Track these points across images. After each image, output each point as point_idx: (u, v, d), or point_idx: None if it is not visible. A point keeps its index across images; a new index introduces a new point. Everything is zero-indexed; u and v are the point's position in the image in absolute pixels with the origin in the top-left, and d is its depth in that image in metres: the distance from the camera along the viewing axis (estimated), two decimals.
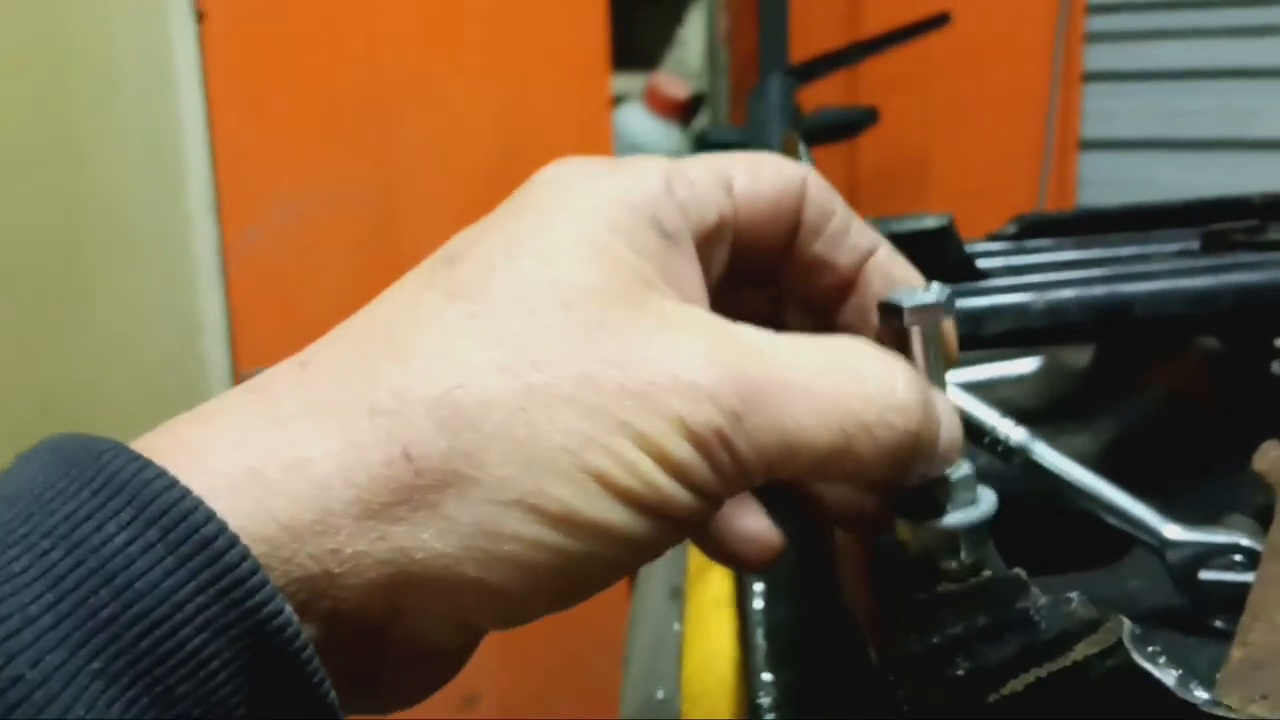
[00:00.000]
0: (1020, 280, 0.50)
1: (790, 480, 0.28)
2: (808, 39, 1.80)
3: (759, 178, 0.30)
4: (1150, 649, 0.22)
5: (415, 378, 0.23)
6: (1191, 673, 0.37)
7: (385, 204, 1.26)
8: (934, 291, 0.30)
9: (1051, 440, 0.63)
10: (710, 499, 0.25)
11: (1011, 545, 0.46)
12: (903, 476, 0.28)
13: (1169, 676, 0.21)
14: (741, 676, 0.39)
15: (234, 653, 0.20)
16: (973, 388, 0.75)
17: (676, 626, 0.48)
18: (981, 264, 0.54)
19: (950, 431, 0.29)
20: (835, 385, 0.25)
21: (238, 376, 1.15)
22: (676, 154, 1.31)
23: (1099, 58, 1.76)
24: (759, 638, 0.41)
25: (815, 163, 0.42)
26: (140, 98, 1.07)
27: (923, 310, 0.29)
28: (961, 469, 0.30)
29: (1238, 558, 0.40)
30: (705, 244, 0.29)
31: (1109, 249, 0.54)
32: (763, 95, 1.67)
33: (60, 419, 1.10)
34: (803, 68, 1.68)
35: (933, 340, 0.30)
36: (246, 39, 1.11)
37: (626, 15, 1.98)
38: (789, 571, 0.47)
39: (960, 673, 0.24)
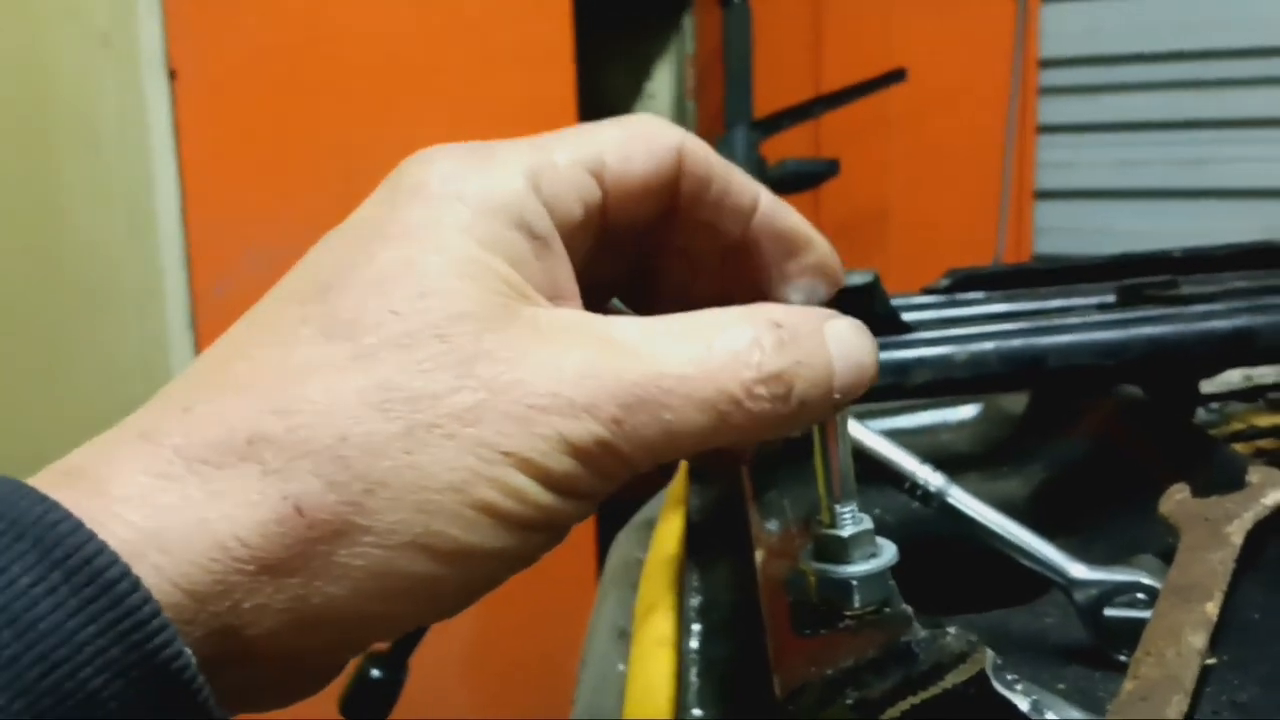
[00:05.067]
0: (944, 333, 0.53)
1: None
2: (772, 93, 1.85)
3: (630, 157, 0.29)
4: (1009, 678, 0.24)
5: (300, 433, 0.23)
6: (1094, 705, 0.39)
7: None
8: None
9: (985, 483, 0.66)
10: (594, 498, 0.26)
11: (942, 585, 0.49)
12: (790, 428, 0.28)
13: (1023, 703, 0.23)
14: (675, 712, 0.41)
15: (133, 693, 0.21)
16: (913, 433, 0.78)
17: (621, 666, 0.50)
18: (911, 317, 0.57)
19: (850, 364, 0.29)
20: (706, 369, 0.26)
21: None
22: None
23: (1053, 111, 1.82)
24: (692, 676, 0.43)
25: None
26: (117, 155, 1.09)
27: None
28: (863, 524, 0.32)
29: (1140, 596, 0.42)
30: (572, 234, 0.28)
31: (1032, 303, 0.58)
32: (727, 147, 1.71)
33: (32, 470, 1.11)
34: (766, 121, 1.73)
35: None
36: (217, 95, 1.14)
37: (596, 72, 2.03)
38: (726, 614, 0.49)
39: (849, 701, 0.27)
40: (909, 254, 1.86)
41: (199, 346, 1.15)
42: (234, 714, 0.24)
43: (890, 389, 0.52)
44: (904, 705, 0.25)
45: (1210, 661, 0.37)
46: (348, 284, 0.26)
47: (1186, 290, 0.55)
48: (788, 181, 1.71)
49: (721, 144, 1.72)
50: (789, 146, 1.81)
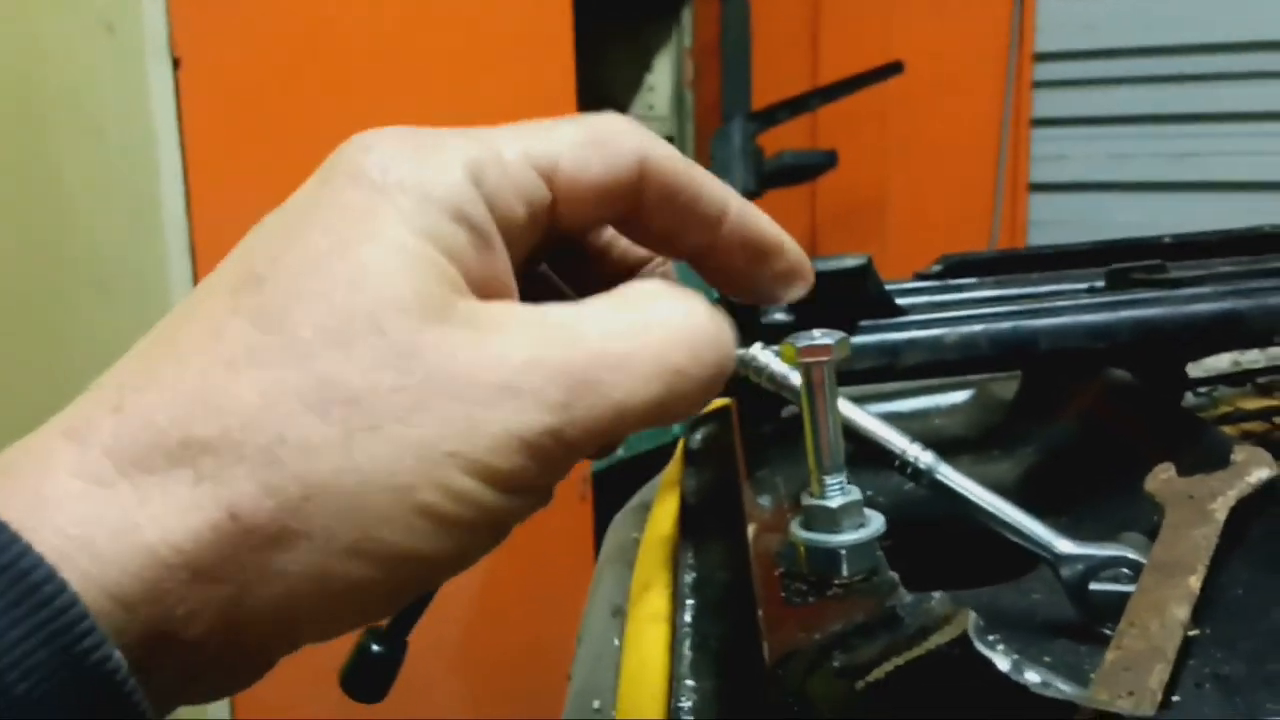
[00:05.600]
0: (936, 316, 0.53)
1: None
2: (771, 85, 1.86)
3: (586, 164, 0.28)
4: (990, 638, 0.25)
5: (235, 435, 0.22)
6: (1080, 679, 0.40)
7: None
8: (828, 333, 0.33)
9: (976, 465, 0.67)
10: (540, 493, 0.25)
11: (932, 564, 0.50)
12: (715, 394, 0.27)
13: (1004, 662, 0.24)
14: (668, 684, 0.42)
15: (62, 697, 0.20)
16: (906, 417, 0.79)
17: (616, 642, 0.51)
18: (904, 301, 0.57)
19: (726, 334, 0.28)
20: (648, 342, 0.25)
21: None
22: None
23: (1047, 104, 1.83)
24: (686, 649, 0.43)
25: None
26: (119, 143, 1.10)
27: (813, 349, 0.32)
28: (851, 494, 0.33)
29: (1125, 570, 0.43)
30: (514, 231, 0.27)
31: (1023, 287, 0.58)
32: (725, 138, 1.72)
33: None
34: (763, 113, 1.73)
35: (828, 376, 0.33)
36: (221, 83, 1.14)
37: (596, 63, 2.03)
38: (719, 591, 0.50)
39: (837, 665, 0.27)
40: (905, 245, 1.87)
41: None
42: (169, 709, 0.24)
43: (883, 370, 0.53)
44: (888, 666, 0.26)
45: (1193, 633, 0.38)
46: (280, 272, 0.24)
47: (1175, 274, 0.55)
48: (785, 173, 1.72)
49: (719, 135, 1.73)
50: (787, 138, 1.82)
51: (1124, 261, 0.60)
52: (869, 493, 0.56)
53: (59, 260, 1.15)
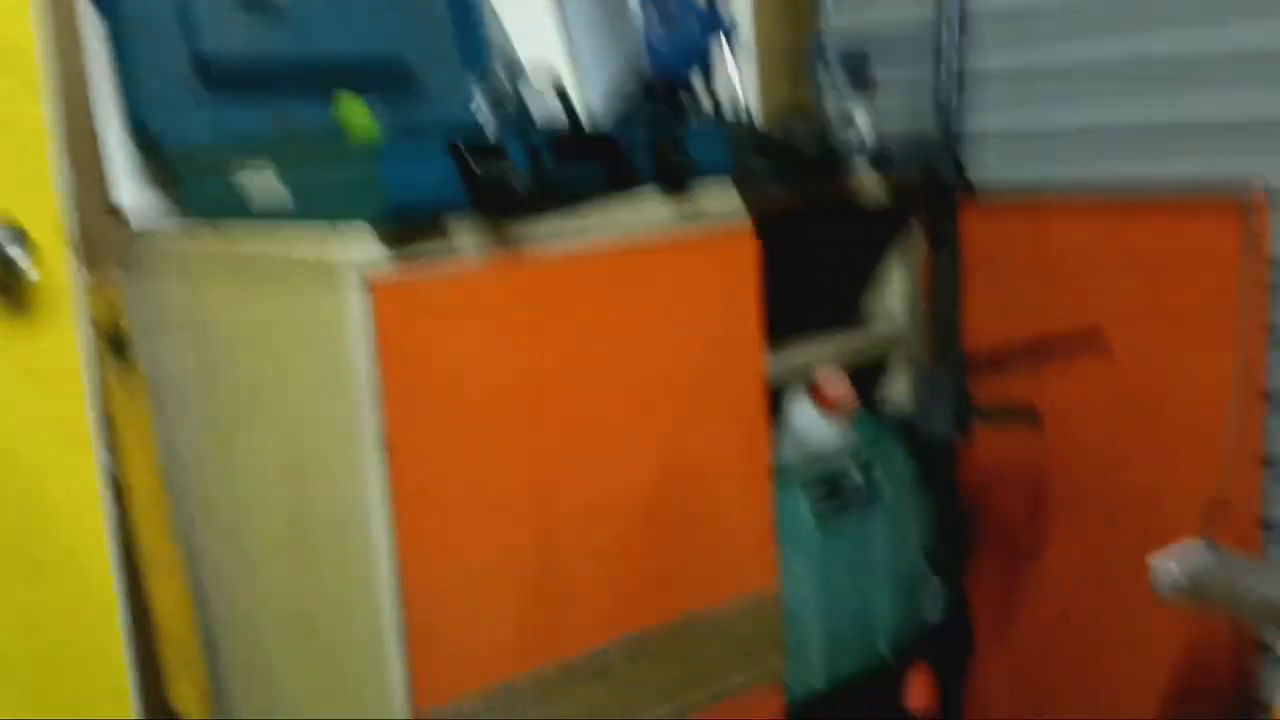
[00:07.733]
0: None
1: None
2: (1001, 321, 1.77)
3: None
4: None
5: None
6: None
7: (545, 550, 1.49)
8: None
9: None
10: None
11: None
12: None
13: None
14: None
15: None
16: None
17: None
18: None
19: None
20: None
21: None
22: (843, 448, 1.44)
23: None
24: None
25: None
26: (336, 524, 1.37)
27: None
28: None
29: None
30: None
31: None
32: (931, 387, 1.72)
33: None
34: (972, 360, 1.71)
35: None
36: (430, 467, 1.34)
37: (836, 274, 2.05)
38: None
39: None
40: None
41: (409, 639, 1.39)
42: None
43: None
44: None
45: None
46: None
47: None
48: (989, 423, 1.70)
49: (926, 381, 1.73)
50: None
51: None
52: None
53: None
